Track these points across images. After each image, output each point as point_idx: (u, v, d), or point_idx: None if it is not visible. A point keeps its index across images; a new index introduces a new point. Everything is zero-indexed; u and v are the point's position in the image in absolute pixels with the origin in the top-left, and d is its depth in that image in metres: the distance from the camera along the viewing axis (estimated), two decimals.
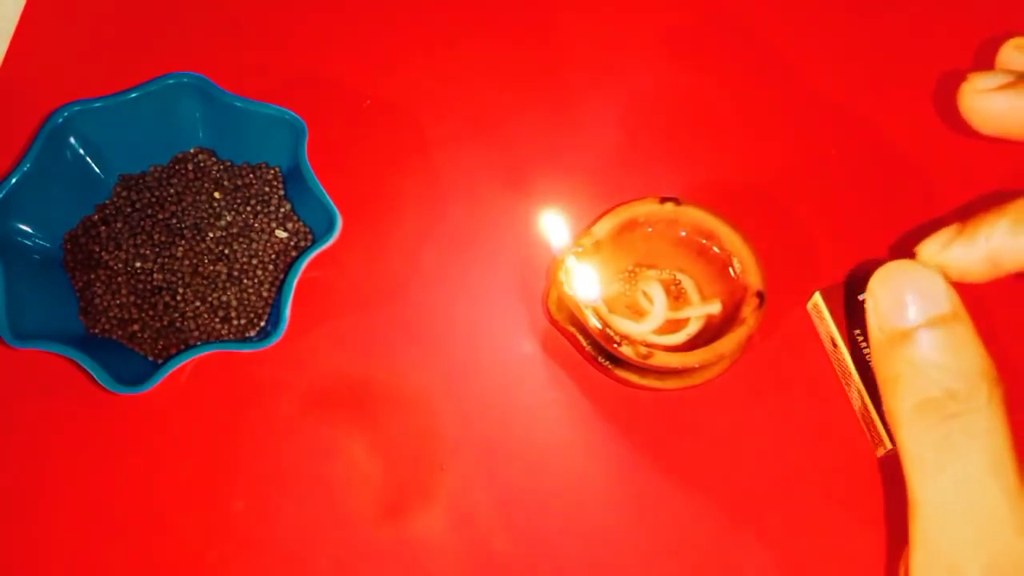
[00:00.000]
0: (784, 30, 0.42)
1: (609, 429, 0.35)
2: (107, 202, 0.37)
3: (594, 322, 0.31)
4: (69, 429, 0.35)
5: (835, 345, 0.34)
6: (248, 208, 0.37)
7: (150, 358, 0.35)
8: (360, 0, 0.43)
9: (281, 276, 0.36)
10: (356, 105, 0.40)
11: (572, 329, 0.33)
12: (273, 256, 0.36)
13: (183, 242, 0.36)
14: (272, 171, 0.37)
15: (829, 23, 0.42)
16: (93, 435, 0.35)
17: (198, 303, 0.35)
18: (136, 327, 0.35)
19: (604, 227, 0.32)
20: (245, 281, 0.36)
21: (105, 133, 0.36)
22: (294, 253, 0.36)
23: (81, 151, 0.36)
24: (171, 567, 0.33)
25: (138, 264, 0.36)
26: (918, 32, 0.42)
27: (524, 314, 0.36)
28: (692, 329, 0.33)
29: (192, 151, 0.38)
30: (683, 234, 0.33)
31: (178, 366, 0.32)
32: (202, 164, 0.37)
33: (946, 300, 0.23)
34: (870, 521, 0.33)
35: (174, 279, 0.35)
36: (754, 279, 0.32)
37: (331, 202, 0.34)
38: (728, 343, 0.31)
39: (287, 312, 0.33)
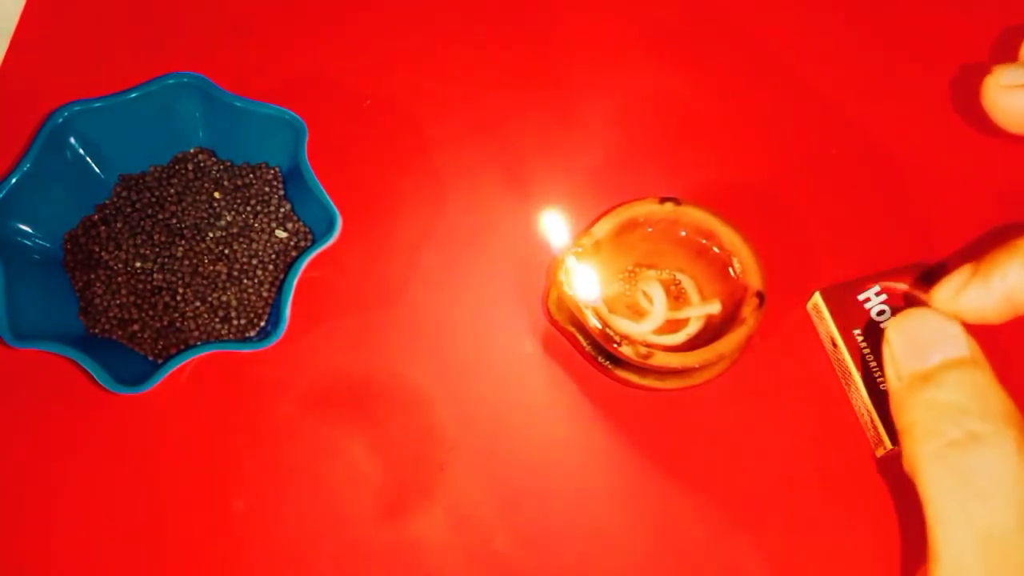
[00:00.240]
0: (785, 28, 0.42)
1: (609, 429, 0.35)
2: (107, 202, 0.37)
3: (594, 322, 0.31)
4: (69, 429, 0.35)
5: (835, 345, 0.34)
6: (248, 208, 0.37)
7: (150, 358, 0.35)
8: (360, 0, 0.43)
9: (281, 276, 0.36)
10: (356, 105, 0.40)
11: (572, 329, 0.33)
12: (273, 256, 0.36)
13: (183, 242, 0.36)
14: (272, 171, 0.37)
15: (833, 20, 0.42)
16: (93, 435, 0.35)
17: (198, 303, 0.35)
18: (136, 327, 0.35)
19: (604, 227, 0.32)
20: (245, 281, 0.36)
21: (105, 133, 0.36)
22: (294, 253, 0.36)
23: (81, 151, 0.36)
24: (171, 567, 0.33)
25: (138, 264, 0.36)
26: (929, 22, 0.41)
27: (524, 314, 0.36)
28: (692, 329, 0.33)
29: (192, 151, 0.38)
30: (683, 234, 0.33)
31: (178, 366, 0.32)
32: (202, 164, 0.37)
33: (965, 345, 0.23)
34: (870, 521, 0.33)
35: (174, 279, 0.36)
36: (754, 279, 0.32)
37: (331, 202, 0.34)
38: (728, 343, 0.31)
39: (287, 312, 0.33)
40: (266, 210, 0.37)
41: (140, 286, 0.35)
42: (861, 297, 0.34)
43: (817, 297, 0.34)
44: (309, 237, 0.37)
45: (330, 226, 0.34)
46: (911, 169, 0.39)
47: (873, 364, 0.33)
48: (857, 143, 0.39)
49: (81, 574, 0.33)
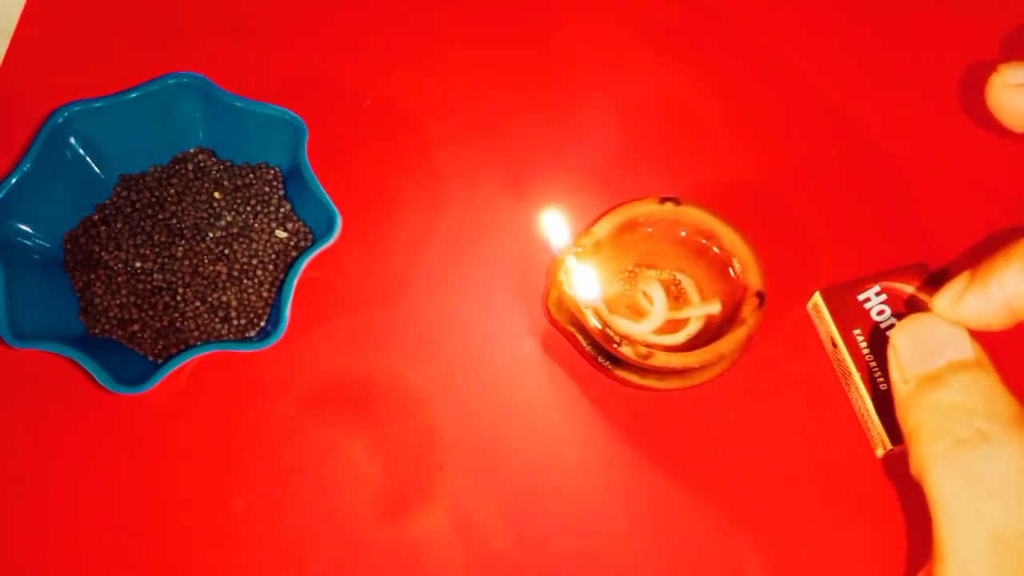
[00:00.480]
0: (786, 27, 0.42)
1: (609, 429, 0.35)
2: (107, 202, 0.37)
3: (594, 322, 0.31)
4: (69, 429, 0.35)
5: (835, 345, 0.34)
6: (248, 208, 0.37)
7: (150, 358, 0.35)
8: (360, 0, 0.43)
9: (281, 276, 0.36)
10: (356, 105, 0.40)
11: (572, 329, 0.33)
12: (273, 256, 0.36)
13: (183, 242, 0.36)
14: (272, 171, 0.37)
15: (834, 19, 0.42)
16: (93, 435, 0.35)
17: (198, 303, 0.35)
18: (136, 327, 0.35)
19: (604, 227, 0.32)
20: (245, 281, 0.36)
21: (105, 133, 0.36)
22: (294, 253, 0.36)
23: (81, 151, 0.36)
24: (171, 567, 0.33)
25: (138, 264, 0.36)
26: (931, 21, 0.41)
27: (524, 314, 0.36)
28: (692, 329, 0.33)
29: (192, 151, 0.38)
30: (683, 234, 0.33)
31: (178, 366, 0.32)
32: (202, 164, 0.37)
33: (970, 347, 0.23)
34: (870, 521, 0.33)
35: (174, 279, 0.35)
36: (754, 279, 0.32)
37: (331, 202, 0.34)
38: (728, 343, 0.31)
39: (287, 312, 0.33)
40: (266, 210, 0.37)
41: (140, 286, 0.35)
42: (861, 297, 0.34)
43: (817, 297, 0.34)
44: (309, 237, 0.37)
45: (330, 226, 0.34)
46: (912, 168, 0.39)
47: (873, 364, 0.33)
48: (857, 143, 0.39)
49: (81, 574, 0.33)
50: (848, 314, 0.34)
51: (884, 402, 0.32)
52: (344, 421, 0.35)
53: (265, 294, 0.36)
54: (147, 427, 0.35)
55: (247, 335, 0.35)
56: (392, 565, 0.33)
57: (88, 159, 0.36)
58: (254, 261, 0.36)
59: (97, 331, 0.35)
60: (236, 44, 0.42)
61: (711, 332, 0.32)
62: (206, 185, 0.37)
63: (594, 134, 0.40)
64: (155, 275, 0.36)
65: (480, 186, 0.39)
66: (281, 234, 0.37)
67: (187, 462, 0.35)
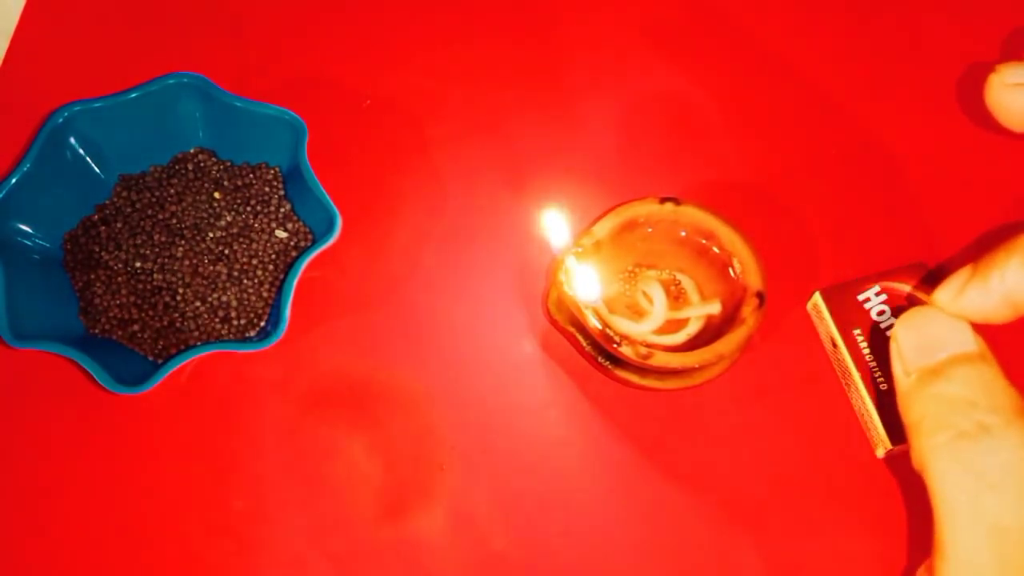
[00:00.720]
0: (786, 27, 0.42)
1: (609, 429, 0.35)
2: (107, 202, 0.37)
3: (594, 322, 0.31)
4: (69, 429, 0.35)
5: (835, 345, 0.34)
6: (248, 208, 0.37)
7: (150, 358, 0.35)
8: (360, 0, 0.43)
9: (281, 276, 0.36)
10: (356, 105, 0.40)
11: (572, 329, 0.33)
12: (273, 256, 0.36)
13: (183, 242, 0.36)
14: (272, 171, 0.37)
15: (833, 19, 0.42)
16: (93, 435, 0.35)
17: (198, 303, 0.35)
18: (136, 327, 0.35)
19: (604, 227, 0.32)
20: (245, 281, 0.36)
21: (105, 133, 0.36)
22: (294, 253, 0.36)
23: (81, 151, 0.36)
24: (171, 567, 0.33)
25: (138, 264, 0.36)
26: (930, 21, 0.41)
27: (524, 314, 0.36)
28: (692, 329, 0.33)
29: (192, 151, 0.38)
30: (683, 234, 0.33)
31: (178, 366, 0.32)
32: (202, 164, 0.37)
33: (972, 340, 0.23)
34: (870, 521, 0.33)
35: (174, 279, 0.36)
36: (754, 279, 0.32)
37: (331, 202, 0.34)
38: (728, 343, 0.31)
39: (287, 312, 0.33)
40: (266, 210, 0.37)
41: (140, 286, 0.35)
42: (861, 297, 0.34)
43: (817, 297, 0.34)
44: (309, 237, 0.37)
45: (330, 226, 0.34)
46: (912, 168, 0.39)
47: (873, 364, 0.33)
48: (857, 143, 0.39)
49: (81, 574, 0.33)
50: (848, 314, 0.34)
51: (884, 402, 0.32)
52: (344, 421, 0.35)
53: (265, 294, 0.36)
54: (147, 427, 0.35)
55: (247, 335, 0.35)
56: (392, 565, 0.33)
57: (88, 159, 0.36)
58: (254, 261, 0.36)
59: (97, 331, 0.35)
60: (236, 44, 0.42)
61: (711, 332, 0.32)
62: (206, 185, 0.37)
63: (594, 134, 0.40)
64: (155, 275, 0.36)
65: (480, 186, 0.39)
66: (281, 234, 0.37)
67: (187, 462, 0.35)
